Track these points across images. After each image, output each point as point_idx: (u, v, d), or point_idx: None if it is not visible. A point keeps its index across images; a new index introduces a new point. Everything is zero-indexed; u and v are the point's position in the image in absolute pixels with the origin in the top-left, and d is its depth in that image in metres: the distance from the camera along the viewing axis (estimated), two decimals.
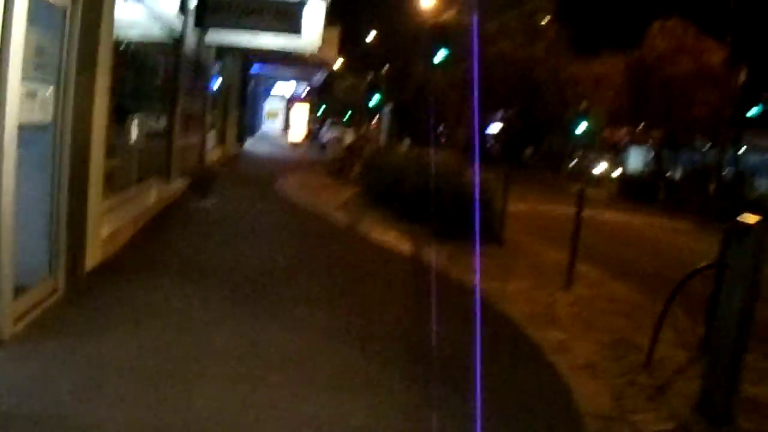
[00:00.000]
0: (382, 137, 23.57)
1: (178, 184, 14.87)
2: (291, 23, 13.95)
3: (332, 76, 54.44)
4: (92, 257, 7.50)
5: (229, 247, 10.05)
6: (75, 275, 6.91)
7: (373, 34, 53.33)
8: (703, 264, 6.84)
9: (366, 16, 52.06)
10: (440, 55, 21.13)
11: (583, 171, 44.97)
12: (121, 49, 11.73)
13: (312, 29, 17.66)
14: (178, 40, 14.75)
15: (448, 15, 49.02)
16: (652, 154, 41.91)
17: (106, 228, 8.37)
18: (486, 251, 12.08)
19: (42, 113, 6.02)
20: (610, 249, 14.73)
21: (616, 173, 41.31)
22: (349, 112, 65.95)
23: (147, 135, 14.01)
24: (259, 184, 18.85)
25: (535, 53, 45.78)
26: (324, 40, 23.30)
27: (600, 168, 44.75)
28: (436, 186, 14.24)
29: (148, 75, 13.96)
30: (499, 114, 55.68)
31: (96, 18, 6.86)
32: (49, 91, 6.09)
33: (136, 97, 12.85)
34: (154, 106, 14.45)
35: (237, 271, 8.65)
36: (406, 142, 26.86)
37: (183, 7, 14.74)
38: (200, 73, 18.56)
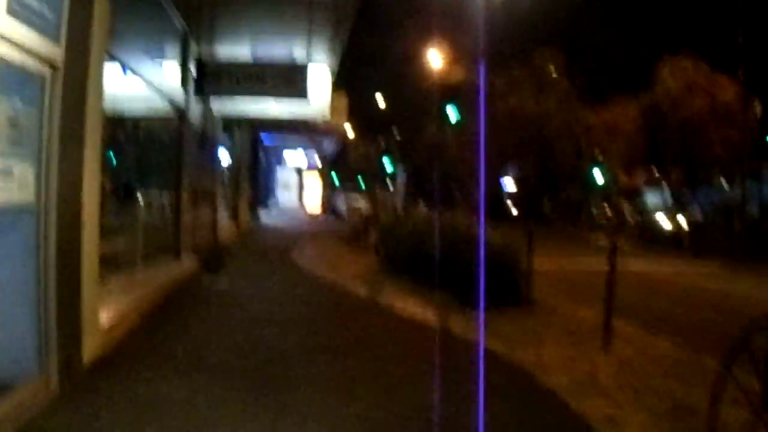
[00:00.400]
0: (399, 202, 22.96)
1: (188, 262, 14.28)
2: (295, 87, 13.46)
3: (345, 144, 54.41)
4: (91, 349, 6.81)
5: (244, 332, 9.22)
6: (71, 371, 6.19)
7: (380, 99, 53.34)
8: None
9: (373, 82, 52.16)
10: (453, 114, 20.64)
11: (603, 221, 44.21)
12: (121, 124, 11.37)
13: (319, 94, 17.26)
14: (181, 112, 14.30)
15: (456, 74, 49.06)
16: (668, 195, 41.36)
17: (106, 315, 7.74)
18: (516, 315, 11.39)
19: (21, 192, 5.44)
20: (641, 301, 13.91)
21: (635, 217, 40.26)
22: (360, 178, 65.79)
23: (153, 211, 13.53)
24: (275, 257, 18.25)
25: (546, 107, 45.48)
26: (332, 106, 23.06)
27: (617, 216, 44.07)
28: (458, 250, 13.60)
29: (152, 150, 13.56)
30: (512, 170, 55.28)
31: (81, 88, 6.30)
32: (29, 168, 5.51)
33: (139, 172, 12.42)
34: (160, 181, 13.99)
35: (251, 359, 7.83)
36: (421, 206, 26.31)
37: (184, 78, 14.34)
38: (207, 146, 18.11)
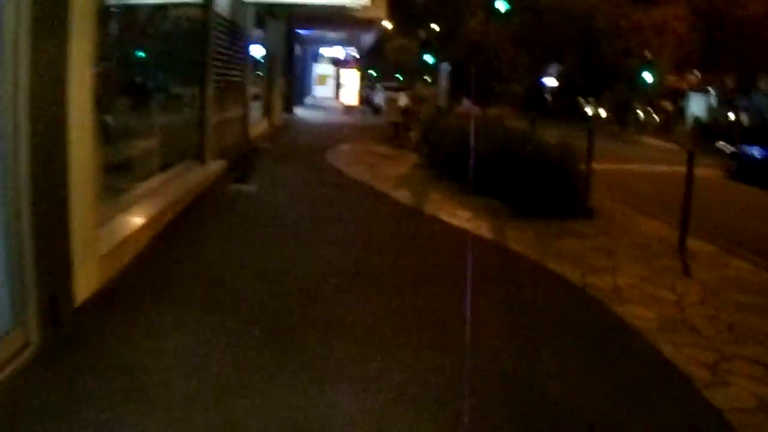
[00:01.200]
0: (441, 98, 21.41)
1: (214, 167, 13.11)
2: None
3: (382, 38, 52.48)
4: (85, 284, 5.58)
5: (273, 250, 8.00)
6: (57, 316, 4.90)
7: None
8: None
9: None
10: (503, 4, 18.96)
11: (653, 121, 42.43)
12: (133, 9, 10.04)
13: None
14: (204, 3, 12.92)
15: None
16: (716, 101, 39.52)
17: (109, 238, 6.58)
18: (577, 229, 10.21)
19: None
20: (707, 212, 12.57)
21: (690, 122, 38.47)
22: (398, 73, 63.97)
23: (174, 111, 12.32)
24: (309, 158, 16.93)
25: (592, 2, 43.19)
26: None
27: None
28: (508, 151, 12.33)
29: (173, 40, 12.16)
30: (555, 67, 53.25)
31: None
32: None
33: (159, 66, 11.10)
34: (183, 76, 12.72)
35: (280, 287, 6.57)
36: (466, 102, 24.65)
37: None
38: (237, 38, 16.71)
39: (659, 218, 11.56)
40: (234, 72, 16.50)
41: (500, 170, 12.03)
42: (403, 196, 12.15)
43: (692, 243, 9.54)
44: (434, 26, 55.85)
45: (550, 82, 54.96)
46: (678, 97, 46.86)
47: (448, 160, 14.20)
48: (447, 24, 56.06)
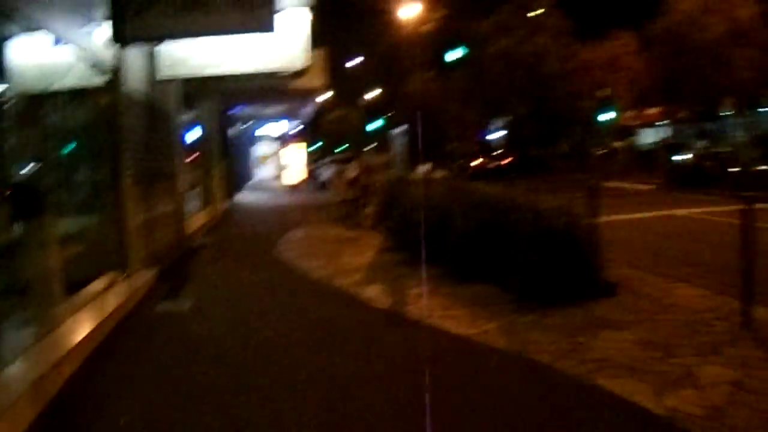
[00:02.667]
0: (397, 165, 19.31)
1: (140, 279, 10.71)
2: (257, 17, 9.56)
3: (321, 110, 50.68)
4: None
5: (212, 417, 5.64)
6: None
7: (350, 58, 49.83)
8: None
9: (343, 41, 48.36)
10: (455, 55, 17.04)
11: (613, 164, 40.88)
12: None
13: (294, 39, 13.60)
14: (111, 75, 10.65)
15: (433, 22, 45.70)
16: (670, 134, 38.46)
17: None
18: (605, 314, 8.00)
19: None
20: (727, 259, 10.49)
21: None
22: (342, 145, 62.41)
23: (83, 216, 10.03)
24: (256, 252, 14.49)
25: (540, 45, 41.91)
26: (312, 62, 19.66)
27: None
28: (497, 222, 10.14)
29: (75, 132, 9.94)
30: (501, 120, 51.95)
31: None
32: None
33: (58, 163, 8.86)
34: (90, 173, 10.44)
35: None
36: (425, 166, 22.44)
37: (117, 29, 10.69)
38: (160, 122, 14.47)
39: (689, 281, 9.42)
40: (160, 161, 14.21)
41: (490, 247, 9.84)
42: (376, 295, 9.71)
43: (757, 312, 7.33)
44: (371, 93, 54.80)
45: (497, 135, 53.57)
46: (627, 134, 45.82)
47: (419, 239, 11.93)
48: (387, 88, 54.82)
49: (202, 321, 8.73)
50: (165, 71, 13.62)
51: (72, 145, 10.26)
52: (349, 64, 51.18)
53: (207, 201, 22.26)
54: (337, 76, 39.19)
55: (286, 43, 13.52)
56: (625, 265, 9.64)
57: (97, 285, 9.26)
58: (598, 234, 9.33)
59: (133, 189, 11.30)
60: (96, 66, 10.22)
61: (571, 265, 8.89)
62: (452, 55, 16.15)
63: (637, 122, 46.24)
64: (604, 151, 43.35)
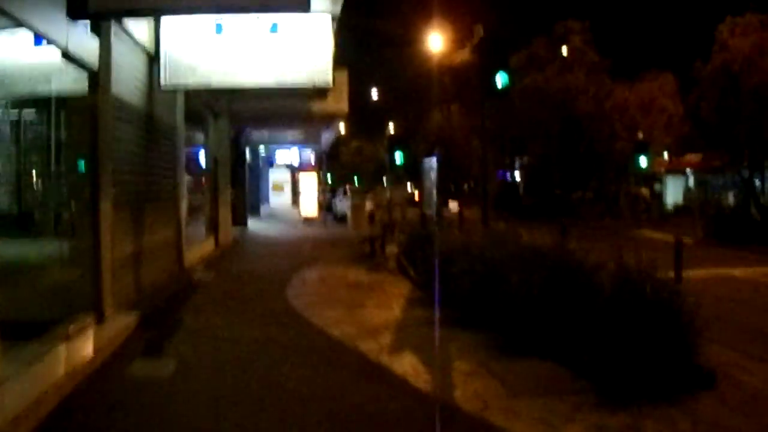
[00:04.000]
0: (428, 202, 17.19)
1: (118, 325, 8.63)
2: None
3: (338, 141, 48.77)
4: None
5: None
6: None
7: (374, 91, 47.86)
8: None
9: (365, 72, 46.56)
10: (501, 80, 15.03)
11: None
12: None
13: (317, 49, 11.69)
14: (92, 78, 8.65)
15: (461, 55, 43.47)
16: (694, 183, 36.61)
17: None
18: (711, 418, 5.96)
19: None
20: None
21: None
22: (357, 177, 60.83)
23: (45, 244, 8.09)
24: (262, 296, 12.32)
25: (573, 82, 39.80)
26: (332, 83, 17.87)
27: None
28: (564, 285, 8.14)
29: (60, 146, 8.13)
30: (520, 160, 49.97)
31: None
32: None
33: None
34: (59, 192, 8.52)
35: None
36: (453, 205, 20.29)
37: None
38: (159, 136, 12.52)
39: None
40: (157, 181, 12.23)
41: (554, 314, 7.80)
42: (413, 369, 7.46)
43: None
44: (390, 125, 52.90)
45: (518, 174, 51.56)
46: (653, 180, 43.64)
47: (458, 294, 9.83)
48: (407, 121, 52.90)
49: (184, 398, 6.55)
50: (169, 80, 11.67)
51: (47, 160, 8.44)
52: (366, 93, 49.24)
53: (213, 229, 20.20)
54: (354, 107, 37.33)
55: (308, 53, 11.65)
56: (706, 341, 7.51)
57: (56, 333, 7.21)
58: (690, 303, 7.20)
59: (117, 212, 9.28)
60: (76, 64, 8.24)
61: (666, 344, 6.80)
62: (498, 81, 14.29)
63: (663, 168, 44.03)
64: (628, 196, 41.27)
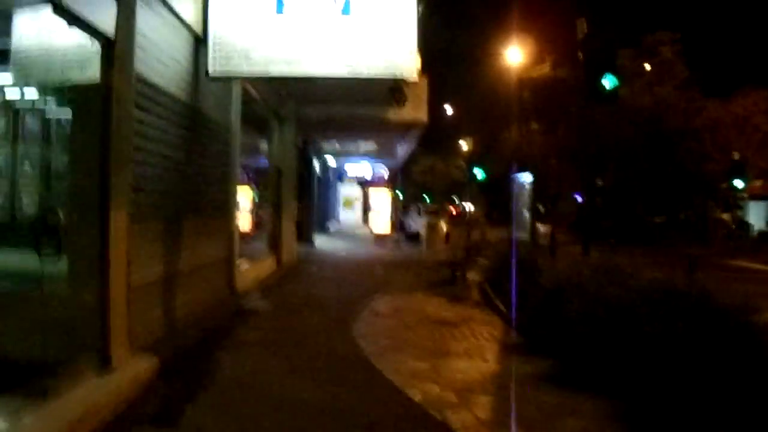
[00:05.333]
0: (520, 224, 14.86)
1: (127, 375, 6.48)
2: None
3: (411, 155, 46.86)
4: None
5: None
6: None
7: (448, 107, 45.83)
8: None
9: (435, 89, 44.35)
10: (609, 83, 12.73)
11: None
12: None
13: (399, 33, 9.57)
14: (105, 48, 6.56)
15: (541, 69, 41.21)
16: None
17: None
18: None
19: None
20: None
21: None
22: (428, 195, 58.99)
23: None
24: (325, 330, 10.03)
25: (662, 96, 37.01)
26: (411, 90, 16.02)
27: None
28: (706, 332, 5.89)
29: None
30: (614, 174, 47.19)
31: None
32: None
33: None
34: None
35: None
36: (541, 228, 17.76)
37: None
38: (207, 133, 10.47)
39: None
40: (202, 190, 10.18)
41: (717, 381, 5.55)
42: None
43: None
44: (463, 142, 50.96)
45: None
46: (734, 206, 40.64)
47: (580, 345, 7.47)
48: (482, 139, 50.83)
49: None
50: (218, 67, 9.58)
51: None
52: (438, 109, 47.16)
53: (274, 246, 18.12)
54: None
55: (388, 38, 9.53)
56: None
57: (38, 386, 5.15)
58: None
59: (140, 225, 7.20)
60: (84, 29, 6.20)
61: None
62: (606, 84, 12.23)
63: (743, 194, 40.89)
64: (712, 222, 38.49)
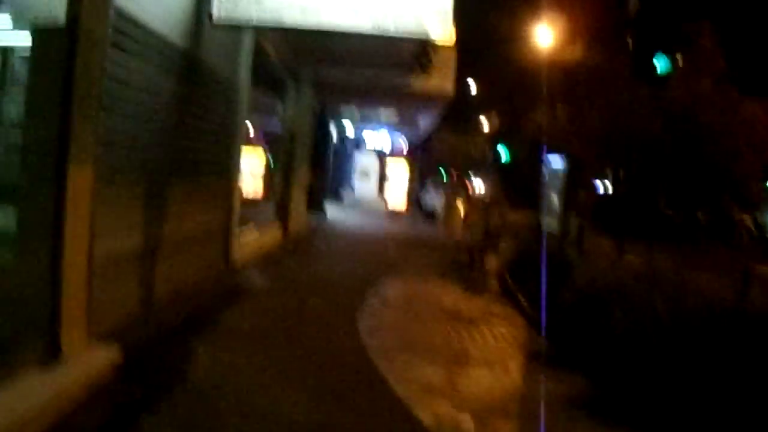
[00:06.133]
0: (550, 211, 13.53)
1: (79, 369, 5.31)
2: None
3: (434, 130, 45.57)
4: None
5: None
6: None
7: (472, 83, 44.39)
8: None
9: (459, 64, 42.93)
10: (660, 64, 11.49)
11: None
12: None
13: None
14: None
15: (572, 51, 39.78)
16: None
17: None
18: None
19: None
20: None
21: None
22: (442, 170, 57.60)
23: None
24: (327, 323, 8.77)
25: (698, 91, 35.31)
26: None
27: None
28: None
29: None
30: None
31: None
32: None
33: None
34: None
35: None
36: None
37: None
38: (214, 92, 9.28)
39: None
40: (197, 149, 8.98)
41: None
42: None
43: None
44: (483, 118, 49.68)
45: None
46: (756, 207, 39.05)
47: (626, 364, 6.27)
48: (506, 118, 49.46)
49: None
50: (223, 11, 8.32)
51: None
52: (462, 85, 45.84)
53: (281, 215, 16.93)
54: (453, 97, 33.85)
55: None
56: None
57: None
58: None
59: (108, 188, 6.03)
60: None
61: None
62: (660, 64, 11.14)
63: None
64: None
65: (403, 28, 8.31)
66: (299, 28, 8.91)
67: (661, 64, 11.62)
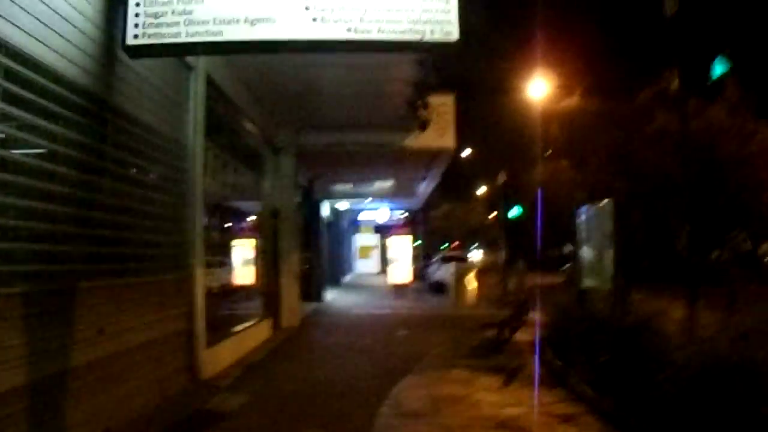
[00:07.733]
0: (597, 270, 11.04)
1: None
2: None
3: (429, 201, 43.78)
4: None
5: None
6: None
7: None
8: None
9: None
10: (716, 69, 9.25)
11: None
12: None
13: None
14: None
15: (570, 102, 38.30)
16: None
17: None
18: None
19: None
20: None
21: None
22: (447, 243, 56.18)
23: None
24: None
25: (714, 122, 33.26)
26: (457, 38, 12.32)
27: None
28: None
29: None
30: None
31: None
32: None
33: None
34: None
35: None
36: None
37: None
38: (134, 155, 6.85)
39: None
40: (124, 238, 6.51)
41: None
42: None
43: None
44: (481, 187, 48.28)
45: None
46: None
47: None
48: (500, 179, 47.92)
49: None
50: (142, 29, 5.91)
51: None
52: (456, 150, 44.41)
53: (270, 307, 14.34)
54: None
55: None
56: None
57: None
58: None
59: None
60: None
61: None
62: (718, 68, 9.29)
63: None
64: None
65: (392, 31, 5.93)
66: (246, 47, 6.44)
67: (718, 68, 9.43)
